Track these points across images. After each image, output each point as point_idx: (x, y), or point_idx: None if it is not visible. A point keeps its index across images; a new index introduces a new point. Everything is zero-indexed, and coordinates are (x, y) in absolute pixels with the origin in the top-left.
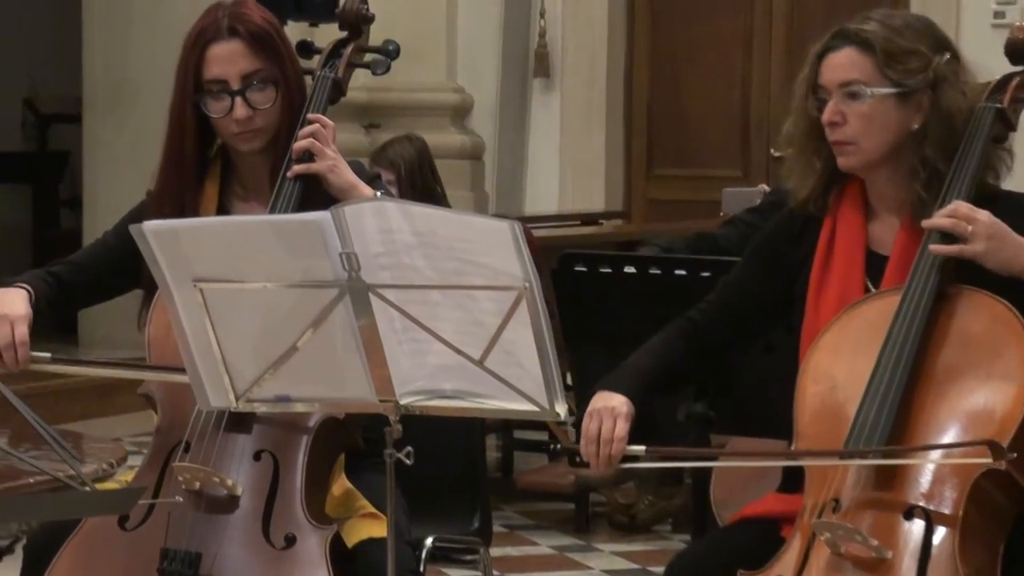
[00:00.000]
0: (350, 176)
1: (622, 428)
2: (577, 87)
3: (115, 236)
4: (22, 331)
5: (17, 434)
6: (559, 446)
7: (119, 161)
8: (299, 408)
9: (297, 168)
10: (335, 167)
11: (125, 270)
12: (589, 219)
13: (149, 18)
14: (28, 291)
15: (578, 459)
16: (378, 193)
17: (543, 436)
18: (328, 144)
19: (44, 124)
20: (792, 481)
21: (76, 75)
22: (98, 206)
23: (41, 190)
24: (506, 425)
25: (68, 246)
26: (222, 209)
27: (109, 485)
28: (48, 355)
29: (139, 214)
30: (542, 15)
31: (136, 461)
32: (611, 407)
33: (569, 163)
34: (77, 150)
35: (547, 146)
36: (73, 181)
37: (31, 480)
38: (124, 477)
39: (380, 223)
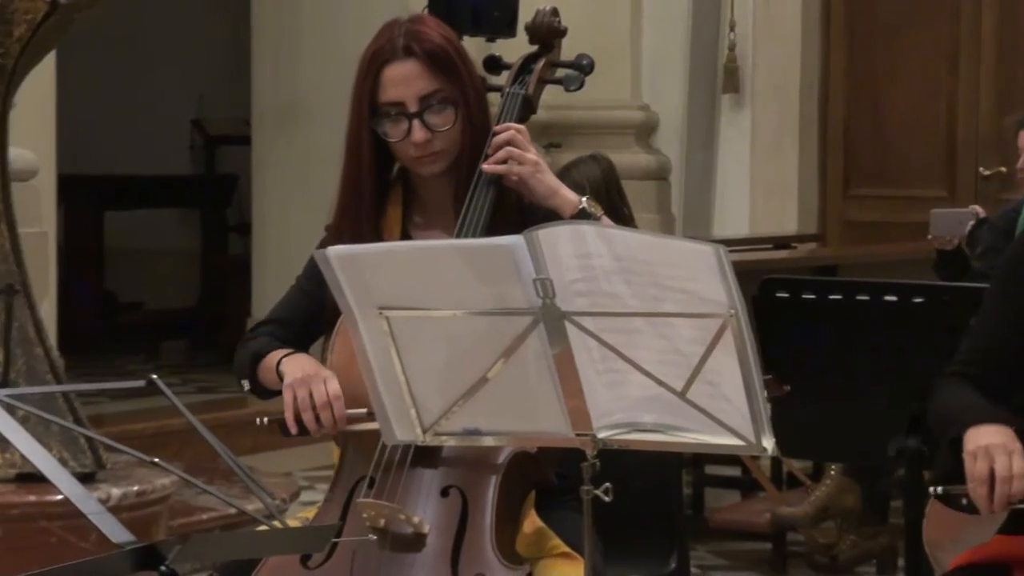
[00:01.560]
0: (551, 180)
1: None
2: (768, 103)
3: (308, 281)
4: (335, 386)
5: (190, 468)
6: None
7: (288, 184)
8: (489, 442)
9: (497, 168)
10: (537, 171)
11: (326, 314)
12: (782, 242)
13: (319, 37)
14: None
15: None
16: (583, 199)
17: (736, 472)
18: (527, 148)
19: (212, 146)
20: (1017, 522)
21: (245, 96)
22: (267, 231)
23: (209, 215)
24: (696, 460)
25: (236, 272)
26: (405, 235)
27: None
28: (364, 411)
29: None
30: (732, 28)
31: (308, 496)
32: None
33: (760, 183)
34: (245, 173)
35: (736, 165)
36: (241, 206)
37: (204, 516)
38: (305, 514)
39: (577, 247)
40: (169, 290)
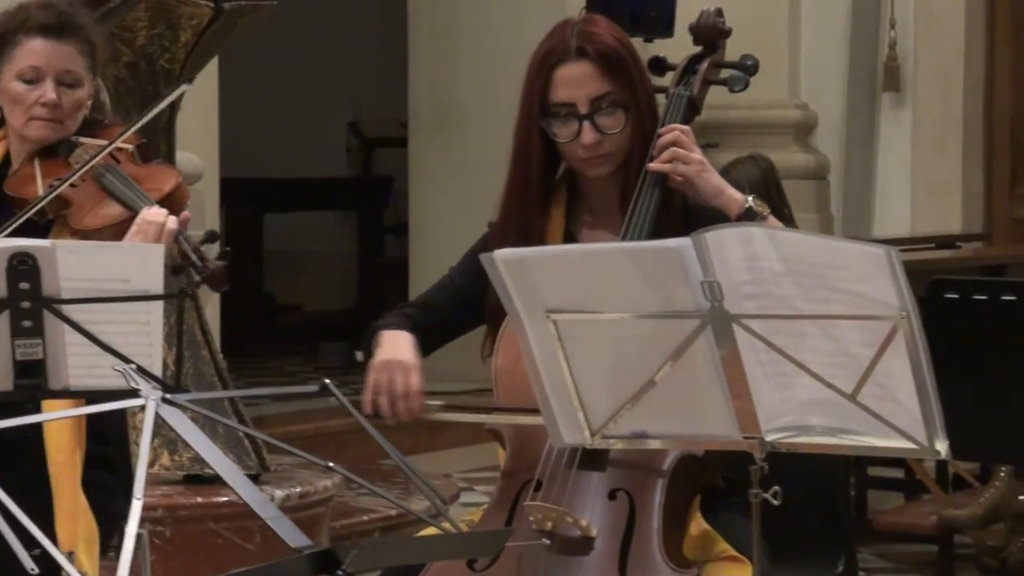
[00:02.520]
0: (717, 180)
1: None
2: (931, 101)
3: (461, 273)
4: (416, 380)
5: (348, 469)
6: None
7: (445, 186)
8: (656, 445)
9: (663, 166)
10: (703, 171)
11: (475, 307)
12: (945, 242)
13: (476, 38)
14: (413, 337)
15: None
16: (749, 198)
17: (899, 474)
18: (692, 148)
19: (369, 149)
20: None
21: (401, 98)
22: (424, 232)
23: (366, 217)
24: (859, 462)
25: (394, 274)
26: (569, 236)
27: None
28: (439, 403)
29: (483, 246)
30: (892, 26)
31: (468, 498)
32: None
33: (922, 182)
34: (401, 175)
35: (897, 164)
36: (398, 207)
37: (365, 518)
38: (470, 516)
39: (745, 250)
40: (327, 292)
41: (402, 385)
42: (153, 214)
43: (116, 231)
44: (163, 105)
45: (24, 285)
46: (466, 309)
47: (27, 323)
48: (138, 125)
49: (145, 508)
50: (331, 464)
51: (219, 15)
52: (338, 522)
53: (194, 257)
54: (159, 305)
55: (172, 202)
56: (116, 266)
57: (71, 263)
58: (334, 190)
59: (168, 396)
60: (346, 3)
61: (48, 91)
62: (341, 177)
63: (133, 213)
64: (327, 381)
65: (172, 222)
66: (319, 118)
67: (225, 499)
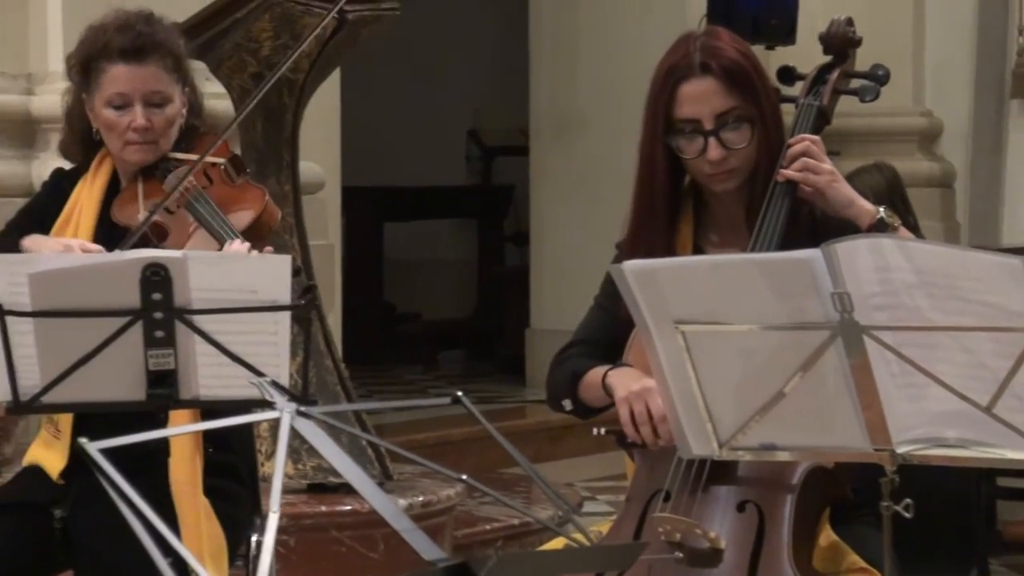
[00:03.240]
0: (848, 190)
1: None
2: None
3: (605, 297)
4: (658, 404)
5: (472, 478)
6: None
7: (566, 194)
8: (785, 457)
9: (794, 175)
10: (834, 181)
11: (617, 327)
12: None
13: (597, 48)
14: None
15: None
16: (880, 209)
17: None
18: (823, 159)
19: (489, 157)
20: None
21: (521, 106)
22: (544, 241)
23: (486, 225)
24: (988, 472)
25: (514, 282)
26: (697, 251)
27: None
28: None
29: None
30: (1021, 32)
31: (590, 508)
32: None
33: None
34: (522, 183)
35: None
36: (518, 216)
37: (487, 527)
38: (597, 527)
39: (876, 261)
40: (446, 301)
41: (659, 408)
42: (235, 250)
43: None
44: (244, 112)
45: (157, 296)
46: (620, 330)
47: (159, 333)
48: (225, 135)
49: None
50: (464, 477)
51: (343, 25)
52: (460, 531)
53: None
54: (286, 316)
55: (258, 229)
56: (245, 277)
57: (202, 274)
58: (454, 198)
59: (303, 409)
60: (468, 12)
61: (138, 116)
62: (461, 185)
63: (221, 244)
64: (459, 394)
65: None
66: (440, 127)
67: (348, 508)
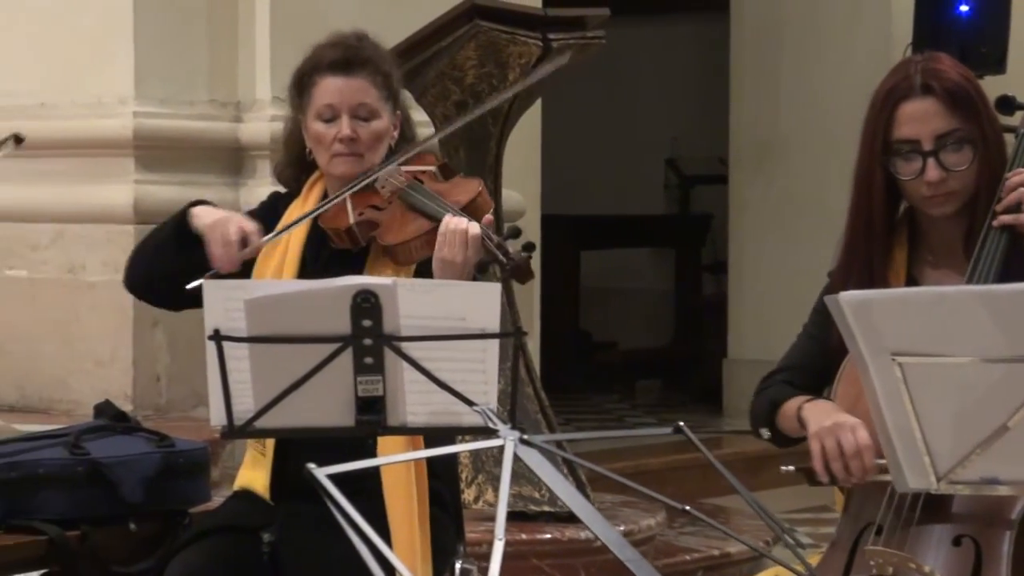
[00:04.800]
0: None
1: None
2: None
3: (815, 325)
4: (864, 435)
5: (673, 510)
6: None
7: (766, 223)
8: (1007, 491)
9: (1005, 218)
10: None
11: (828, 357)
12: None
13: (799, 77)
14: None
15: None
16: None
17: None
18: None
19: (687, 186)
20: None
21: (720, 135)
22: (744, 270)
23: (684, 254)
24: None
25: (711, 312)
26: (911, 278)
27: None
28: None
29: (827, 295)
30: None
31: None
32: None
33: None
34: (720, 212)
35: None
36: (715, 245)
37: (687, 557)
38: (811, 559)
39: None
40: (642, 329)
41: (851, 444)
42: (455, 221)
43: (422, 242)
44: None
45: (367, 322)
46: (832, 363)
47: (369, 360)
48: (424, 144)
49: (471, 543)
50: (688, 508)
51: (547, 53)
52: (660, 561)
53: (498, 252)
54: (495, 344)
55: (474, 210)
56: (454, 304)
57: (411, 301)
58: (651, 227)
59: (526, 437)
60: (668, 41)
61: (344, 127)
62: (659, 214)
63: (437, 223)
64: (681, 424)
65: (474, 227)
66: (638, 155)
67: (549, 536)
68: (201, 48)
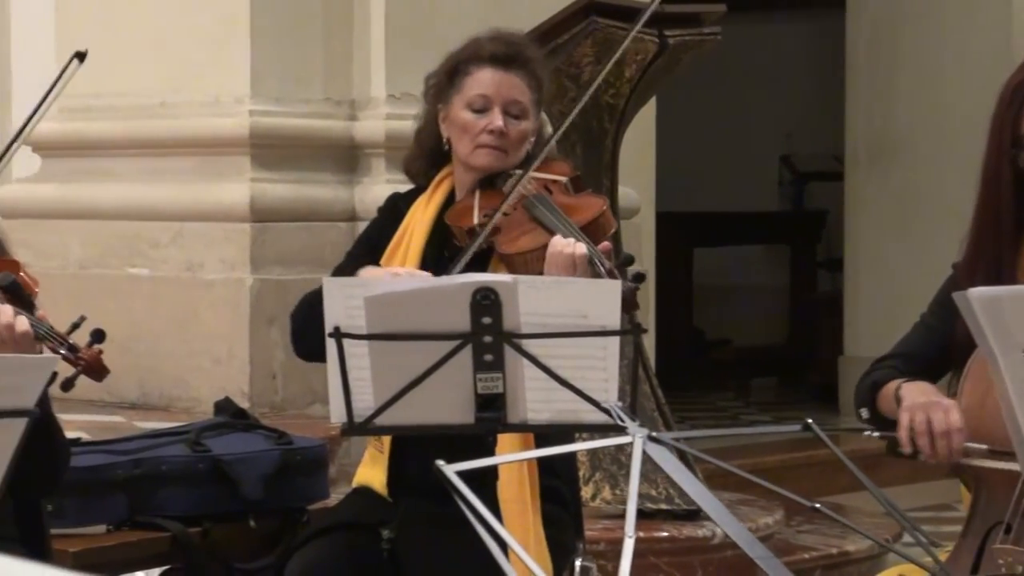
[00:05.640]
0: None
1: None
2: None
3: (934, 316)
4: (956, 417)
5: (787, 506)
6: None
7: (883, 220)
8: None
9: None
10: None
11: (952, 353)
12: None
13: (917, 72)
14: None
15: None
16: None
17: None
18: None
19: (801, 182)
20: None
21: (835, 132)
22: (860, 267)
23: (799, 251)
24: None
25: (827, 309)
26: None
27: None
28: (984, 447)
29: (951, 286)
30: None
31: (909, 538)
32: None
33: None
34: (834, 209)
35: None
36: (830, 242)
37: (805, 556)
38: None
39: None
40: (757, 327)
41: (942, 423)
42: (564, 243)
43: (538, 256)
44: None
45: (486, 320)
46: (946, 352)
47: (488, 357)
48: (546, 150)
49: (589, 541)
50: (818, 505)
51: (664, 50)
52: (778, 559)
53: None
54: (615, 341)
55: (595, 229)
56: (574, 301)
57: (531, 298)
58: (765, 224)
59: (655, 434)
60: (783, 36)
61: (496, 119)
62: (772, 211)
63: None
64: (809, 421)
65: (581, 250)
66: (752, 152)
67: (666, 534)
68: (316, 46)
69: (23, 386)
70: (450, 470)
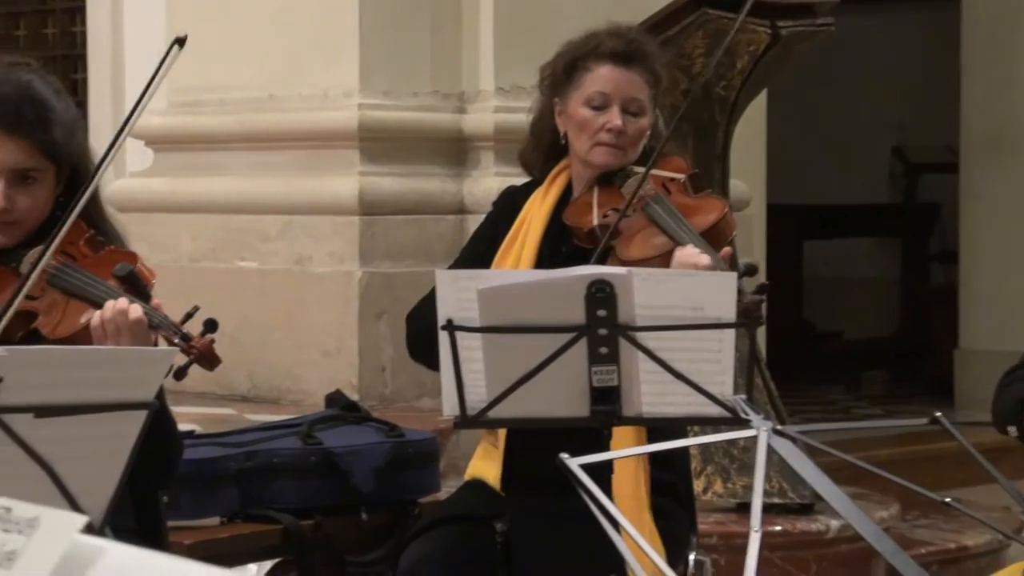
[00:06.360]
0: None
1: None
2: None
3: None
4: None
5: (901, 500)
6: None
7: (998, 212)
8: None
9: None
10: None
11: None
12: None
13: None
14: None
15: None
16: None
17: None
18: None
19: (914, 174)
20: None
21: (949, 123)
22: (974, 260)
23: (911, 243)
24: None
25: (940, 302)
26: None
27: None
28: None
29: None
30: None
31: None
32: None
33: None
34: (947, 201)
35: None
36: (943, 234)
37: (922, 551)
38: None
39: None
40: (868, 320)
41: None
42: (686, 255)
43: (660, 262)
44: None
45: (601, 312)
46: None
47: (604, 350)
48: (659, 150)
49: (701, 535)
50: (948, 500)
51: (776, 41)
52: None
53: None
54: (731, 333)
55: (715, 235)
56: (690, 293)
57: (646, 290)
58: (876, 216)
59: (779, 428)
60: (895, 27)
61: (614, 117)
62: (884, 203)
63: (674, 246)
64: (938, 414)
65: (703, 260)
66: (863, 143)
67: (779, 528)
68: (425, 39)
69: (144, 379)
70: (574, 463)
